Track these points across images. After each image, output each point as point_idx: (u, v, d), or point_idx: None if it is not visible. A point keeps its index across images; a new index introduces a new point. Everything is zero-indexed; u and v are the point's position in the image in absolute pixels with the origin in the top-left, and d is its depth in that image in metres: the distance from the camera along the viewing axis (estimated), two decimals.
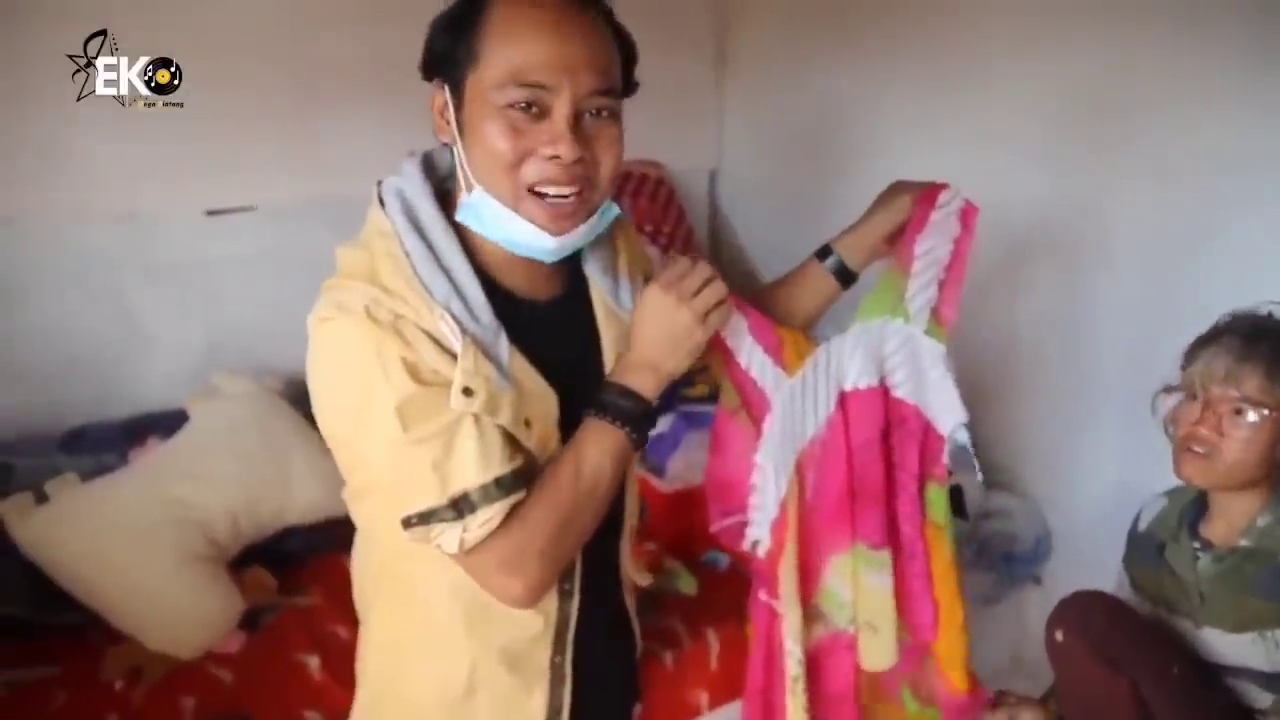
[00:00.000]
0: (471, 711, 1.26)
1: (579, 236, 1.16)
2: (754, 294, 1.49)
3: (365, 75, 2.38)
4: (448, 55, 1.11)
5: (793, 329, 1.41)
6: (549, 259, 1.17)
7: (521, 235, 1.12)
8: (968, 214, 1.39)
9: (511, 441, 1.12)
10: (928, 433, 1.41)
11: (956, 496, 1.91)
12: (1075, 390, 2.26)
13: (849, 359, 1.38)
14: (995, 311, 2.36)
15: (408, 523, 1.09)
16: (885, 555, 1.42)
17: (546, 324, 1.21)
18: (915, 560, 1.43)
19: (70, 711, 1.64)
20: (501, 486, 1.09)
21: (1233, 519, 1.55)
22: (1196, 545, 1.58)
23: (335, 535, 1.41)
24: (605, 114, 1.12)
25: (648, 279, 1.33)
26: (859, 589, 1.44)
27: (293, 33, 2.37)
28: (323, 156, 2.46)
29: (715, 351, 1.35)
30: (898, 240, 1.42)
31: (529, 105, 1.08)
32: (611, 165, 1.14)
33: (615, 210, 1.20)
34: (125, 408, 2.30)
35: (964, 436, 1.38)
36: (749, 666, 1.49)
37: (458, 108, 1.12)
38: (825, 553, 1.43)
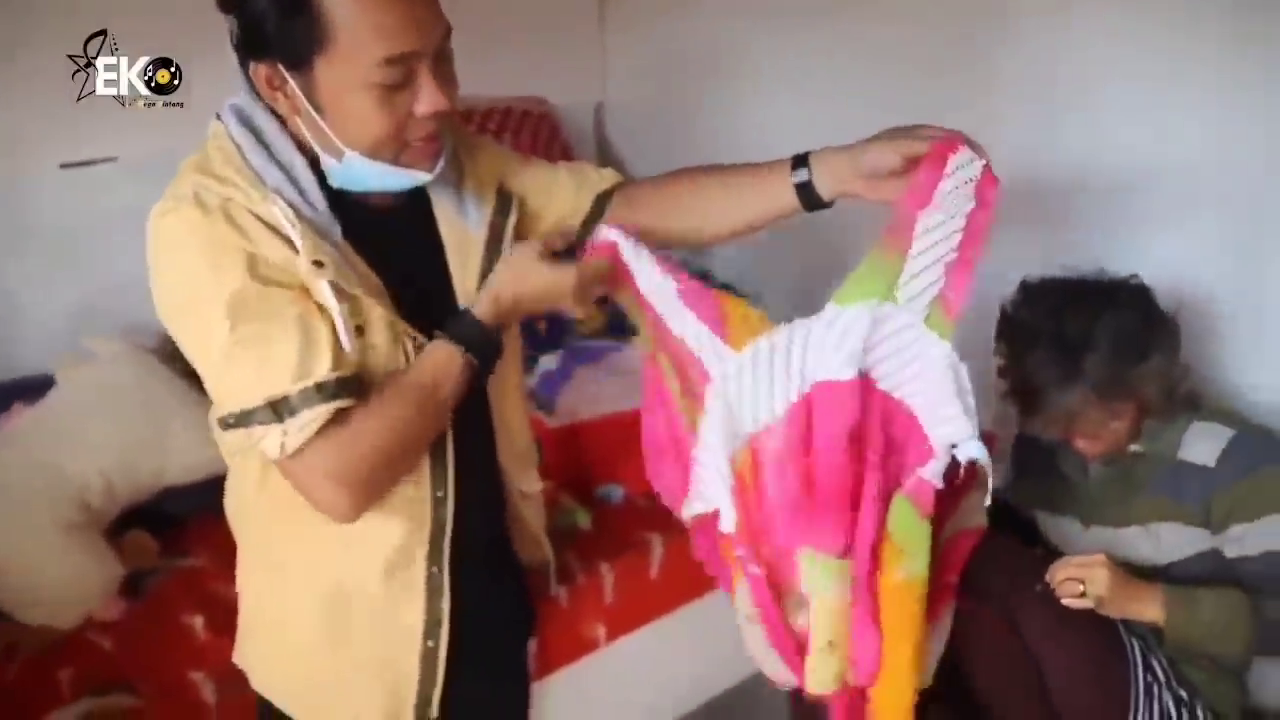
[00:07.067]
0: (346, 623, 1.26)
1: (443, 163, 1.19)
2: (683, 171, 1.37)
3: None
4: (281, 36, 1.05)
5: (740, 301, 1.23)
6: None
7: (403, 181, 1.16)
8: (985, 185, 1.15)
9: (336, 345, 1.10)
10: (912, 437, 1.19)
11: None
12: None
13: (821, 346, 1.17)
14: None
15: (225, 424, 1.09)
16: (850, 566, 1.21)
17: (383, 227, 1.21)
18: (859, 582, 1.20)
19: None
20: (323, 391, 1.07)
21: None
22: None
23: (217, 494, 1.36)
24: (447, 49, 1.13)
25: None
26: (817, 600, 1.22)
27: None
28: (189, 105, 2.34)
29: (627, 292, 1.26)
30: (894, 203, 1.18)
31: (401, 78, 1.07)
32: (456, 94, 1.15)
33: None
34: None
35: (978, 452, 1.13)
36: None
37: (306, 88, 1.08)
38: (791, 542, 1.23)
